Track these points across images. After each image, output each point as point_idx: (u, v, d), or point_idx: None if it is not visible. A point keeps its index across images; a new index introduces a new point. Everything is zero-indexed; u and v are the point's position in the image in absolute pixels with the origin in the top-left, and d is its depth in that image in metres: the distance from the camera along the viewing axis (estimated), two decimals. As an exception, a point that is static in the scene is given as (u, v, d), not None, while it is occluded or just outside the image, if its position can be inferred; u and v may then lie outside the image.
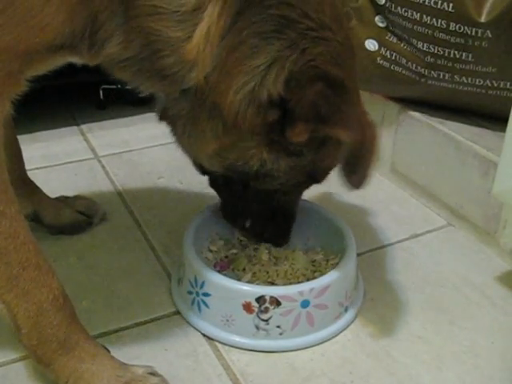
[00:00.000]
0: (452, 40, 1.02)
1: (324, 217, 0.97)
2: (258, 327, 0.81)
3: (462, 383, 0.79)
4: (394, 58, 1.12)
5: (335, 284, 0.84)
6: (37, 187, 1.02)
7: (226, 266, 0.93)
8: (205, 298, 0.84)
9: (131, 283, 0.93)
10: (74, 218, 1.04)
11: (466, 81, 1.05)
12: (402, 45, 1.11)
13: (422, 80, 1.09)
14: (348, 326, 0.87)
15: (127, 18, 0.64)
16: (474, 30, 1.00)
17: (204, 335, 0.84)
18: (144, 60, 0.67)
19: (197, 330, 0.85)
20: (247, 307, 0.81)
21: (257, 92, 0.68)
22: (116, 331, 0.84)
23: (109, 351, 0.76)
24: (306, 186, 0.87)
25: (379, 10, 1.12)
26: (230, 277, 0.85)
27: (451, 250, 1.05)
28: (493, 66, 1.02)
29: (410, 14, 1.06)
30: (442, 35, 1.03)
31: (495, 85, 1.04)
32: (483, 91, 1.05)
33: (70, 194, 1.09)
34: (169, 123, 0.78)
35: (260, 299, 0.80)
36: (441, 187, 1.13)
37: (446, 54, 1.04)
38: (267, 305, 0.80)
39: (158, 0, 0.63)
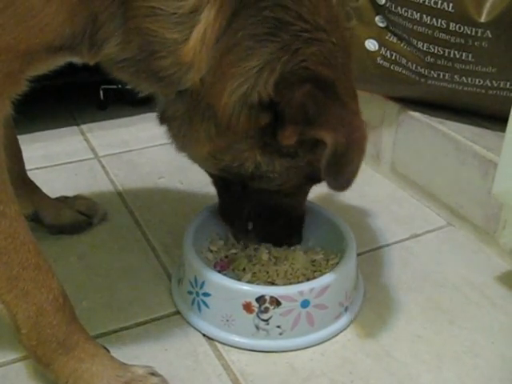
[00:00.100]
0: (452, 40, 1.02)
1: (324, 217, 0.97)
2: (257, 327, 0.81)
3: (462, 383, 0.79)
4: (394, 57, 1.12)
5: (335, 284, 0.84)
6: (37, 187, 1.02)
7: (225, 266, 0.93)
8: (205, 298, 0.84)
9: (131, 283, 0.93)
10: (74, 218, 1.04)
11: (465, 81, 1.05)
12: (402, 45, 1.11)
13: (422, 80, 1.09)
14: (348, 325, 0.87)
15: (126, 18, 0.64)
16: (473, 30, 1.00)
17: (204, 335, 0.84)
18: (141, 61, 0.67)
19: (197, 330, 0.85)
20: (247, 307, 0.81)
21: (249, 94, 0.68)
22: (116, 331, 0.84)
23: (109, 351, 0.76)
24: (309, 186, 0.87)
25: (379, 9, 1.12)
26: (230, 277, 0.85)
27: (451, 250, 1.05)
28: (493, 66, 1.02)
29: (410, 13, 1.06)
30: (442, 35, 1.03)
31: (495, 85, 1.04)
32: (483, 91, 1.05)
33: (70, 194, 1.09)
34: (166, 124, 0.78)
35: (260, 299, 0.80)
36: (441, 187, 1.13)
37: (446, 54, 1.04)
38: (267, 305, 0.80)
39: (156, 2, 0.62)
